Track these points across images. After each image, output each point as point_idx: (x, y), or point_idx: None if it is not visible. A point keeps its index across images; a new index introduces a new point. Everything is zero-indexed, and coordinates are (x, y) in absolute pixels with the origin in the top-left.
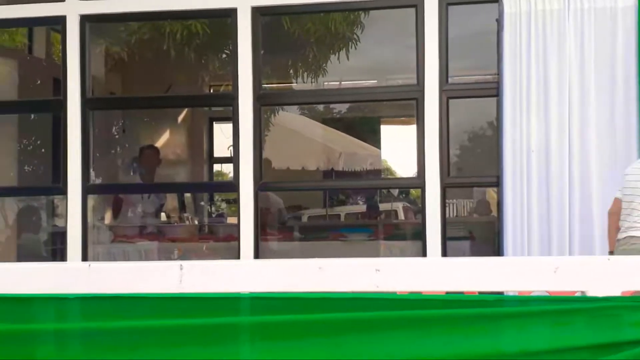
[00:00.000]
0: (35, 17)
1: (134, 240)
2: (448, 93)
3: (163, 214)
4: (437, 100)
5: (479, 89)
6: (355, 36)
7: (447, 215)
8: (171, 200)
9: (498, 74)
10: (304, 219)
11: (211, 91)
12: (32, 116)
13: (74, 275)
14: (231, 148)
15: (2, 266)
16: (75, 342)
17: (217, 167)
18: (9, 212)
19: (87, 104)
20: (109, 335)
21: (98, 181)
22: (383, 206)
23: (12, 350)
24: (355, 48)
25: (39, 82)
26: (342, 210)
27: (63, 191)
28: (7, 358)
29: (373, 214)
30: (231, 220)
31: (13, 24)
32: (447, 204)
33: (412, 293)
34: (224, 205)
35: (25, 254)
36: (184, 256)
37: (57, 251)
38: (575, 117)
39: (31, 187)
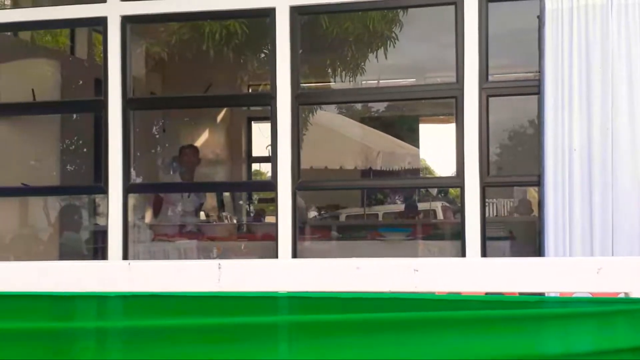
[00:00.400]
0: (77, 18)
1: (173, 239)
2: (488, 91)
3: (202, 213)
4: (476, 98)
5: (520, 87)
6: (393, 34)
7: (487, 215)
8: (210, 200)
9: (539, 72)
10: (342, 218)
11: (250, 91)
12: (75, 116)
13: (114, 274)
14: (269, 147)
15: (44, 264)
16: (116, 339)
17: (255, 166)
18: (51, 210)
19: (128, 104)
20: (149, 333)
21: (138, 180)
22: (421, 205)
23: (54, 347)
24: (394, 46)
25: (81, 82)
26: (380, 210)
27: (104, 190)
28: (49, 356)
29: (411, 214)
30: (269, 219)
31: (55, 25)
32: (487, 204)
33: (451, 294)
34: (262, 204)
35: (67, 252)
36: (222, 255)
37: (98, 249)
38: (618, 115)
39: (73, 187)
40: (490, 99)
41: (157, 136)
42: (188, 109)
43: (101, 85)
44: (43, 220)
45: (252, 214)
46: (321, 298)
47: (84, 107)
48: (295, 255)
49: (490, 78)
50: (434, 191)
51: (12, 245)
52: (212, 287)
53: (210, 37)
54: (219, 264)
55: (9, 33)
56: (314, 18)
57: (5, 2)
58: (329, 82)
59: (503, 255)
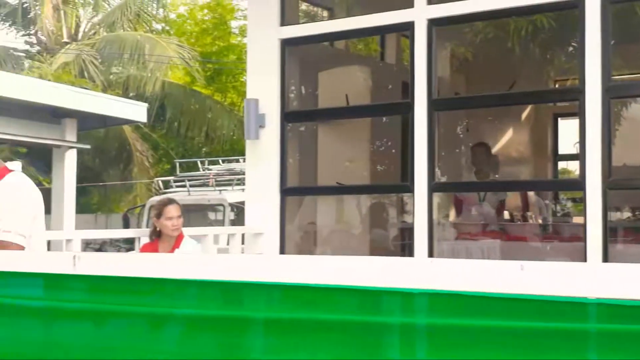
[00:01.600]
0: (386, 25)
1: (476, 237)
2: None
3: (506, 212)
4: None
5: None
6: None
7: None
8: (514, 199)
9: None
10: None
11: (556, 86)
12: (383, 119)
13: (417, 271)
14: (577, 144)
15: (352, 260)
16: (421, 337)
17: (562, 164)
18: (363, 208)
19: (433, 105)
20: (453, 332)
21: (443, 179)
22: None
23: (361, 341)
24: None
25: (390, 86)
26: None
27: (410, 189)
28: (357, 350)
29: None
30: (577, 220)
31: (367, 33)
32: None
33: None
34: (569, 204)
35: (375, 248)
36: (526, 256)
37: (405, 246)
38: None
39: (382, 185)
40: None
41: (461, 136)
42: (491, 107)
43: (408, 88)
44: (355, 217)
45: (558, 214)
46: (635, 307)
47: (392, 109)
48: (605, 259)
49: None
50: None
51: (329, 239)
52: (513, 289)
53: (516, 33)
54: (521, 266)
55: (326, 43)
56: (627, 6)
57: (323, 15)
58: None
59: None
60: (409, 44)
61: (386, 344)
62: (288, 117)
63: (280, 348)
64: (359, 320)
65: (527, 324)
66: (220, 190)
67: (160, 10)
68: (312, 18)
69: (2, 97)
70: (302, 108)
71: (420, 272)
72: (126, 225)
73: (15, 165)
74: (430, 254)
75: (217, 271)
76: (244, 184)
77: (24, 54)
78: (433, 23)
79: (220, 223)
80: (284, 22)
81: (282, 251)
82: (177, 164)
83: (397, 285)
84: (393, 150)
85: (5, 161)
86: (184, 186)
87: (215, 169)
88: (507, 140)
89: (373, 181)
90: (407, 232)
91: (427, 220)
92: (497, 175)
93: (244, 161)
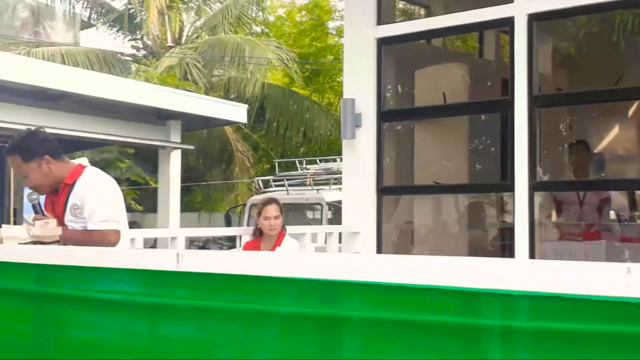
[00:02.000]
0: (485, 21)
1: (579, 238)
2: None
3: (612, 212)
4: None
5: None
6: None
7: None
8: (621, 198)
9: None
10: None
11: None
12: (482, 117)
13: (518, 272)
14: None
15: (450, 261)
16: (522, 341)
17: None
18: (461, 207)
19: (534, 102)
20: (556, 337)
21: (545, 178)
22: None
23: (457, 344)
24: None
25: (488, 83)
26: None
27: (510, 188)
28: (456, 351)
29: None
30: None
31: (464, 29)
32: None
33: None
34: None
35: (474, 249)
36: (633, 259)
37: (505, 247)
38: None
39: (480, 185)
40: None
41: (564, 133)
42: (595, 103)
43: (507, 85)
44: (453, 217)
45: None
46: None
47: (490, 107)
48: None
49: None
50: None
51: (427, 239)
52: (619, 292)
53: (622, 27)
54: (628, 268)
55: (423, 41)
56: None
57: (420, 13)
58: None
59: None
60: (508, 40)
61: (485, 347)
62: (385, 116)
63: (377, 348)
64: (457, 322)
65: (634, 328)
66: (317, 190)
67: (260, 13)
68: (409, 16)
69: (111, 100)
70: (398, 107)
71: (521, 273)
72: (228, 223)
73: (85, 160)
74: (532, 255)
75: (315, 270)
76: (341, 183)
77: (130, 58)
78: (533, 18)
79: (318, 222)
80: (380, 21)
81: (379, 250)
82: (276, 164)
83: (496, 287)
84: (492, 149)
85: (115, 162)
86: (283, 185)
87: (313, 168)
88: (612, 138)
89: (471, 180)
90: (507, 233)
91: (528, 220)
92: (602, 174)
93: (341, 160)
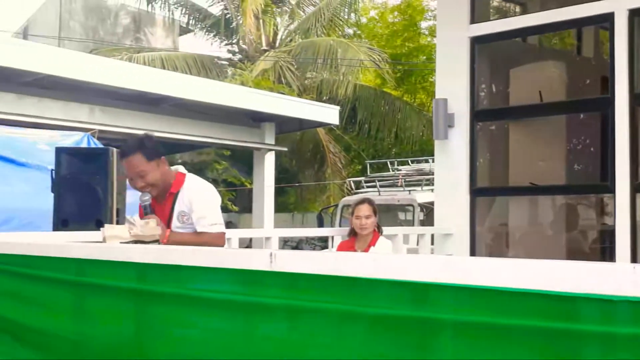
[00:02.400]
0: (583, 17)
1: None
2: None
3: None
4: None
5: None
6: None
7: None
8: None
9: None
10: None
11: None
12: (580, 115)
13: (619, 277)
14: None
15: (547, 264)
16: (624, 349)
17: None
18: (558, 209)
19: (636, 100)
20: None
21: None
22: None
23: (557, 348)
24: None
25: (587, 81)
26: None
27: (611, 189)
28: (551, 357)
29: None
30: None
31: (562, 26)
32: None
33: None
34: None
35: (572, 251)
36: None
37: (605, 250)
38: None
39: (579, 185)
40: None
41: None
42: None
43: (607, 82)
44: (550, 219)
45: None
46: None
47: (589, 105)
48: None
49: None
50: None
51: (522, 241)
52: None
53: None
54: None
55: (518, 39)
56: None
57: (515, 10)
58: None
59: None
60: (608, 36)
61: (584, 354)
62: (478, 115)
63: (468, 352)
64: (553, 327)
65: None
66: (409, 191)
67: (352, 14)
68: (503, 14)
69: (208, 103)
70: (492, 106)
71: (622, 278)
72: (320, 224)
73: (182, 168)
74: (634, 259)
75: (407, 271)
76: (433, 185)
77: (227, 62)
78: (634, 13)
79: (410, 223)
80: (474, 19)
81: (473, 253)
82: (368, 165)
83: (596, 292)
84: (591, 149)
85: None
86: (375, 186)
87: (404, 169)
88: None
89: (569, 181)
90: (607, 235)
91: (630, 222)
92: None
93: (433, 161)
